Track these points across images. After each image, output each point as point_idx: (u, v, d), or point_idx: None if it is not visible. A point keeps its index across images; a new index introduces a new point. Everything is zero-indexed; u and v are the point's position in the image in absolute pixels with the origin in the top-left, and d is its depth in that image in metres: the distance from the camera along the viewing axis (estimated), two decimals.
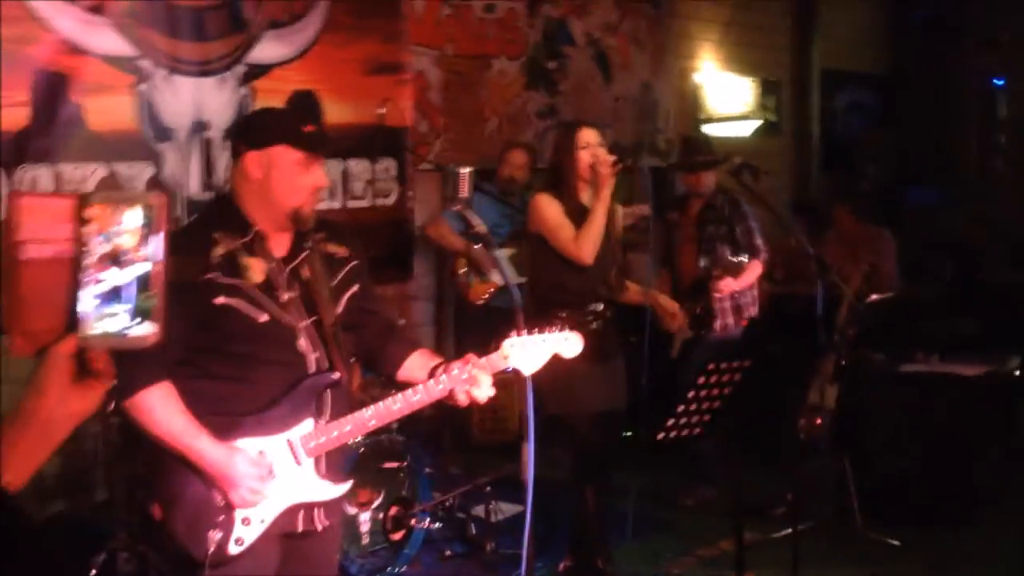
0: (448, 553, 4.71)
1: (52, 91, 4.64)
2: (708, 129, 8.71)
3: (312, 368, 2.58)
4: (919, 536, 4.82)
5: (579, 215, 4.05)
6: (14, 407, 1.17)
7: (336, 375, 2.59)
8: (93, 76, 4.79)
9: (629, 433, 4.98)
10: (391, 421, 2.65)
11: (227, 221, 2.56)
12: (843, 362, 5.18)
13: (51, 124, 4.64)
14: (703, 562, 4.66)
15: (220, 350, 2.51)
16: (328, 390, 2.59)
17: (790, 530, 4.79)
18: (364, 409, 2.59)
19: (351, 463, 4.29)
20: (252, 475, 2.44)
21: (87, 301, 1.12)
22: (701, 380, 2.98)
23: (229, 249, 2.51)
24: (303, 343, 2.57)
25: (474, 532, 4.82)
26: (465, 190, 2.85)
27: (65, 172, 4.71)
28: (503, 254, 5.48)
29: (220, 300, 2.46)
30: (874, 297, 5.24)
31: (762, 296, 5.77)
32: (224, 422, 2.48)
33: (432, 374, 2.67)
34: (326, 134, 2.60)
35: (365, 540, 4.40)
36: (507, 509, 5.26)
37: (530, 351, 2.68)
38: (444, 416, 5.73)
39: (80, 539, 4.12)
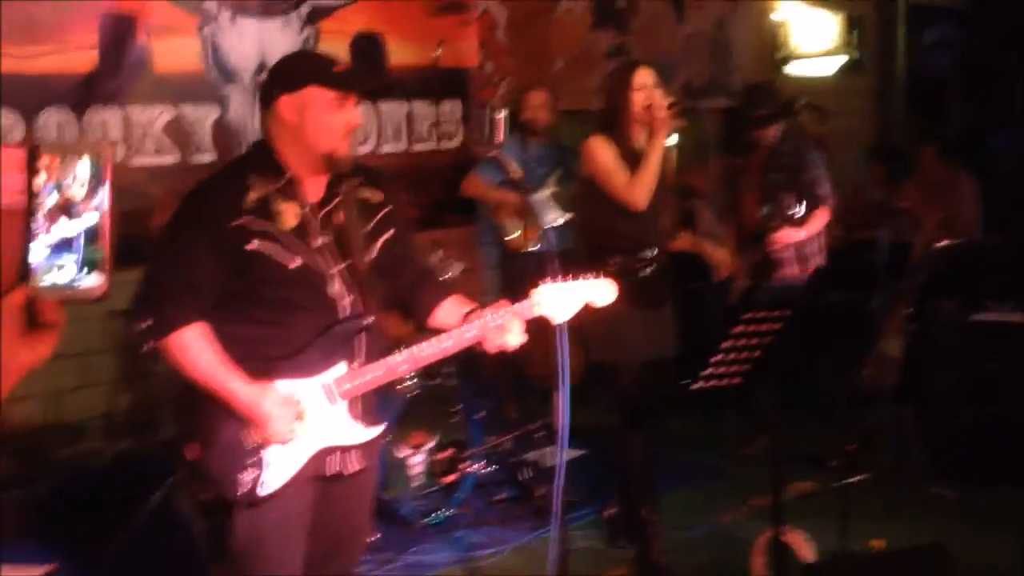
0: (499, 497, 4.76)
1: (119, 34, 4.72)
2: (789, 68, 8.48)
3: (345, 313, 2.60)
4: (981, 493, 4.71)
5: (633, 159, 3.98)
6: None
7: (368, 320, 2.61)
8: (159, 18, 4.86)
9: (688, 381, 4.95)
10: (422, 366, 2.66)
11: (261, 166, 2.58)
12: (909, 310, 5.04)
13: (118, 67, 4.73)
14: (755, 512, 4.62)
15: (254, 294, 2.54)
16: (361, 334, 2.62)
17: (848, 480, 4.77)
18: (395, 354, 2.61)
19: (403, 406, 4.36)
20: (283, 414, 2.48)
21: (38, 252, 1.13)
22: (738, 329, 2.93)
23: (263, 194, 2.53)
24: (336, 288, 2.60)
25: (525, 477, 4.86)
26: (501, 134, 2.82)
27: (132, 114, 4.80)
28: (544, 195, 5.42)
29: (253, 245, 2.49)
30: (943, 243, 5.06)
31: (833, 244, 5.63)
32: (258, 365, 2.52)
33: (464, 320, 2.67)
34: (359, 73, 2.58)
35: (416, 482, 4.47)
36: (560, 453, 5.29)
37: (560, 299, 2.64)
38: (502, 362, 5.76)
39: (145, 476, 4.26)
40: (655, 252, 4.06)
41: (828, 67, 8.82)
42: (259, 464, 2.50)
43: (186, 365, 2.50)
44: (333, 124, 2.55)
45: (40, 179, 1.13)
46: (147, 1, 4.80)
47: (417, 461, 4.43)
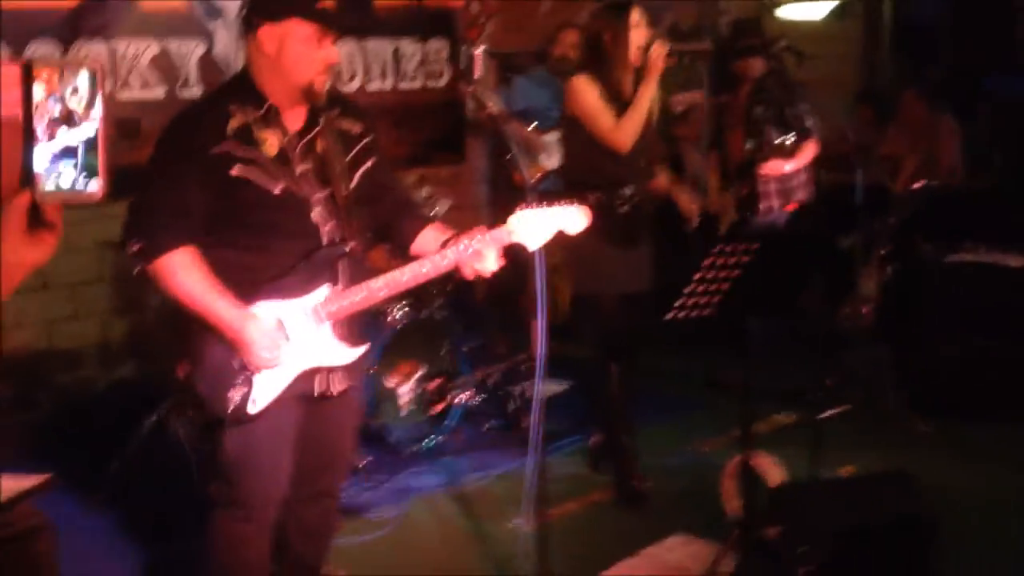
0: (487, 427, 4.88)
1: None
2: (780, 12, 8.48)
3: (327, 238, 2.68)
4: (955, 427, 4.84)
5: (618, 99, 4.03)
6: None
7: (349, 245, 2.69)
8: None
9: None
10: (400, 291, 2.75)
11: (243, 95, 2.64)
12: (883, 252, 5.14)
13: (104, 1, 4.75)
14: (733, 441, 4.74)
15: (238, 220, 2.62)
16: (342, 259, 2.70)
17: (826, 414, 4.91)
18: (375, 279, 2.69)
19: (392, 337, 4.46)
20: (267, 337, 2.58)
21: (41, 160, 1.21)
22: (709, 261, 3.01)
23: (244, 122, 2.60)
24: (317, 214, 2.67)
25: (513, 408, 4.98)
26: (479, 70, 2.87)
27: (119, 48, 4.83)
28: (552, 137, 5.48)
29: (236, 171, 2.56)
30: (916, 185, 5.14)
31: (814, 181, 5.70)
32: (244, 289, 2.61)
33: (443, 247, 2.75)
34: (340, 11, 2.63)
35: (405, 411, 4.59)
36: (547, 387, 5.40)
37: (534, 225, 2.72)
38: (491, 296, 5.86)
39: (139, 402, 4.37)
40: (633, 190, 4.12)
41: (818, 11, 8.82)
42: (247, 383, 2.60)
43: (174, 288, 2.58)
44: (311, 58, 2.61)
45: (40, 91, 1.20)
46: None
47: (406, 390, 4.54)
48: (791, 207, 5.37)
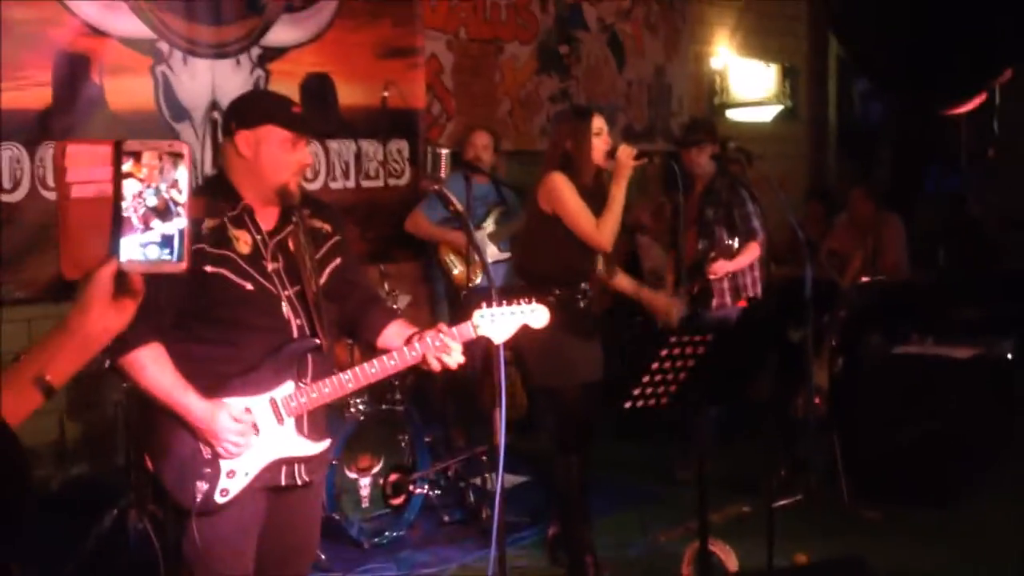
0: (446, 519, 4.91)
1: (73, 72, 4.86)
2: (730, 114, 8.83)
3: (295, 334, 2.77)
4: (905, 513, 4.95)
5: (588, 197, 4.18)
6: (62, 321, 1.41)
7: (317, 341, 2.78)
8: (113, 58, 5.00)
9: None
10: (367, 384, 2.83)
11: (218, 195, 2.74)
12: (833, 343, 5.31)
13: (72, 104, 4.87)
14: (690, 532, 4.81)
15: (209, 315, 2.70)
16: (310, 355, 2.78)
17: (780, 503, 5.00)
18: (343, 373, 2.78)
19: (353, 430, 4.51)
20: (235, 430, 2.64)
21: (132, 246, 1.35)
22: (664, 352, 3.13)
23: (218, 222, 2.70)
24: (287, 310, 2.76)
25: (472, 500, 5.02)
26: (444, 170, 3.02)
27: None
28: (484, 232, 5.63)
29: (209, 268, 2.66)
30: (864, 280, 5.34)
31: (765, 277, 5.90)
32: (212, 382, 2.68)
33: (408, 342, 2.85)
34: (312, 116, 2.76)
35: (365, 504, 4.61)
36: (506, 479, 5.45)
37: (499, 321, 2.85)
38: (450, 390, 5.93)
39: (98, 500, 4.35)
40: (588, 286, 4.27)
41: (765, 115, 9.20)
42: (216, 474, 2.65)
43: (144, 382, 2.64)
44: (286, 161, 2.74)
45: (137, 178, 1.34)
46: (101, 41, 4.95)
47: (365, 483, 4.57)
48: (742, 303, 5.55)
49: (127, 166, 1.34)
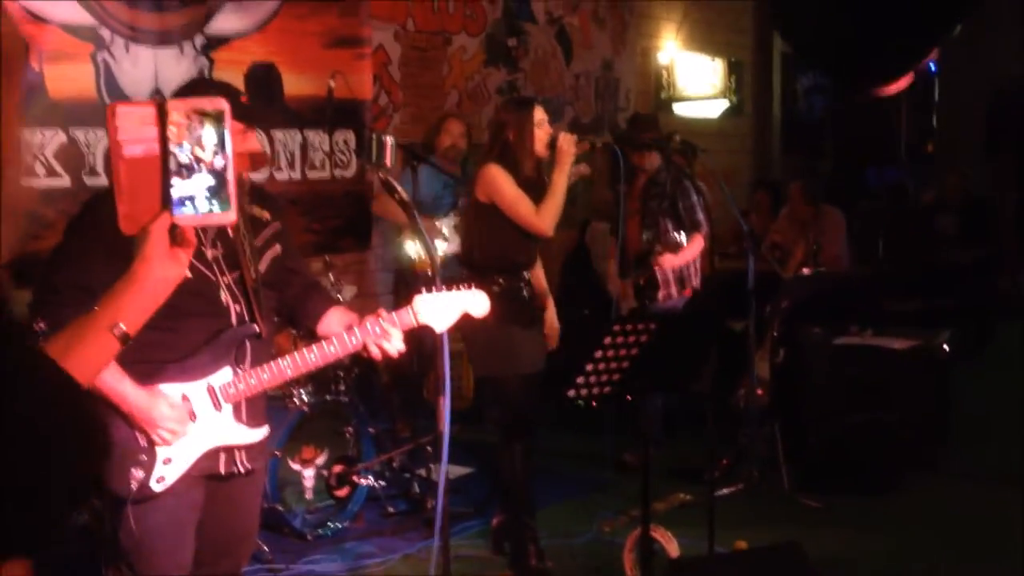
0: (391, 510, 4.90)
1: None
2: (677, 109, 8.90)
3: (234, 320, 2.75)
4: (844, 502, 5.04)
5: (527, 187, 4.20)
6: (128, 273, 1.50)
7: (256, 327, 2.76)
8: (53, 44, 4.91)
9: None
10: (307, 371, 2.82)
11: None
12: (775, 334, 5.38)
13: None
14: (634, 521, 4.85)
15: None
16: (248, 341, 2.76)
17: (721, 491, 5.07)
18: (281, 359, 2.77)
19: (297, 421, 4.49)
20: (171, 417, 2.62)
21: (180, 192, 1.42)
22: (607, 340, 3.15)
23: None
24: (225, 297, 2.74)
25: (417, 490, 5.02)
26: (389, 159, 3.01)
27: (25, 137, 4.84)
28: (447, 223, 5.64)
29: None
30: (805, 271, 5.42)
31: (708, 269, 5.96)
32: (149, 368, 2.65)
33: (348, 328, 2.84)
34: (255, 106, 2.75)
35: (309, 495, 4.59)
36: (451, 470, 5.47)
37: (439, 308, 2.85)
38: (397, 381, 5.92)
39: None
40: (529, 275, 4.29)
41: (712, 110, 9.29)
42: (152, 461, 2.63)
43: None
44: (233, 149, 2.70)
45: (171, 135, 1.42)
46: (41, 27, 4.86)
47: (309, 475, 4.55)
48: (687, 293, 5.61)
49: (172, 130, 1.42)
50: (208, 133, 1.42)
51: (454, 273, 5.55)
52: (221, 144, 1.43)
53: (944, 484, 5.30)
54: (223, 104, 1.43)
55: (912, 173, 8.81)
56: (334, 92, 5.18)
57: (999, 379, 6.98)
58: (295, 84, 5.83)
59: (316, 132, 6.00)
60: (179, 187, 1.42)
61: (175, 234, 1.46)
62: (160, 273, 1.49)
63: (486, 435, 5.91)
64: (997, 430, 6.04)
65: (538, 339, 4.29)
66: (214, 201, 1.43)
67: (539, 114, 4.24)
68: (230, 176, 1.44)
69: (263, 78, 5.67)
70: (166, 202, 1.43)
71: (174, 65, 5.29)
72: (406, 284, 5.82)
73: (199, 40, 5.40)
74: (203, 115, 1.42)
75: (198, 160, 1.42)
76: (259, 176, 5.70)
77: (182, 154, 1.41)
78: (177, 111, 1.42)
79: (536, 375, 4.22)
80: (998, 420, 6.20)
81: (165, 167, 1.41)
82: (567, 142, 4.15)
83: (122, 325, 1.52)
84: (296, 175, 5.93)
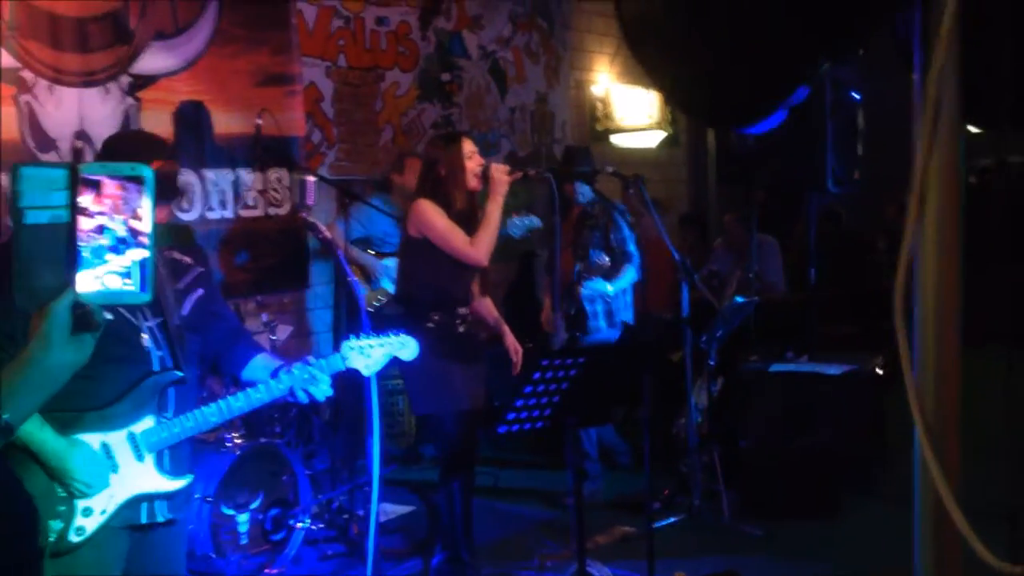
0: (329, 553, 4.82)
1: None
2: (614, 140, 8.97)
3: (156, 366, 2.69)
4: (785, 528, 5.06)
5: (462, 221, 4.18)
6: (18, 358, 1.32)
7: (179, 373, 2.70)
8: None
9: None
10: (233, 418, 2.77)
11: None
12: (711, 363, 5.41)
13: None
14: (576, 555, 4.83)
15: None
16: (171, 387, 2.70)
17: (665, 522, 5.07)
18: (206, 406, 2.71)
19: (231, 464, 4.40)
20: (90, 467, 2.54)
21: (91, 274, 1.26)
22: (537, 375, 3.14)
23: None
24: (147, 341, 2.68)
25: (356, 532, 4.95)
26: (311, 197, 2.98)
27: None
28: (391, 263, 5.63)
29: None
30: (738, 300, 5.47)
31: (642, 300, 6.00)
32: (68, 417, 2.58)
33: (275, 374, 2.80)
34: (183, 145, 2.71)
35: (244, 540, 4.49)
36: (391, 509, 5.41)
37: (368, 354, 2.83)
38: (337, 421, 5.84)
39: None
40: (467, 311, 4.27)
41: (649, 140, 9.38)
42: (69, 512, 2.55)
43: None
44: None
45: (106, 207, 1.26)
46: None
47: (244, 519, 4.45)
48: (620, 325, 5.63)
49: (87, 199, 1.25)
50: (128, 202, 1.27)
51: (388, 308, 5.56)
52: (143, 214, 1.27)
53: (882, 507, 5.35)
54: (146, 171, 1.29)
55: (841, 200, 8.97)
56: (262, 130, 5.13)
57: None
58: (225, 122, 5.76)
59: (248, 171, 5.93)
60: (88, 261, 1.26)
61: (80, 315, 1.30)
62: (59, 359, 1.31)
63: (427, 473, 5.87)
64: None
65: (478, 375, 4.25)
66: (129, 279, 1.27)
67: (468, 147, 4.24)
68: (150, 251, 1.27)
69: (192, 116, 5.60)
70: (70, 278, 1.26)
71: (99, 106, 5.21)
72: (347, 323, 5.78)
73: (125, 80, 5.32)
74: (125, 181, 1.27)
75: (136, 233, 1.27)
76: (191, 216, 5.63)
77: (94, 224, 1.26)
78: (109, 182, 1.27)
79: (475, 411, 4.18)
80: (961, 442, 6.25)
81: (73, 238, 1.25)
82: (500, 172, 4.17)
83: (5, 416, 1.34)
84: (228, 214, 5.85)
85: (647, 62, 1.31)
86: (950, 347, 1.18)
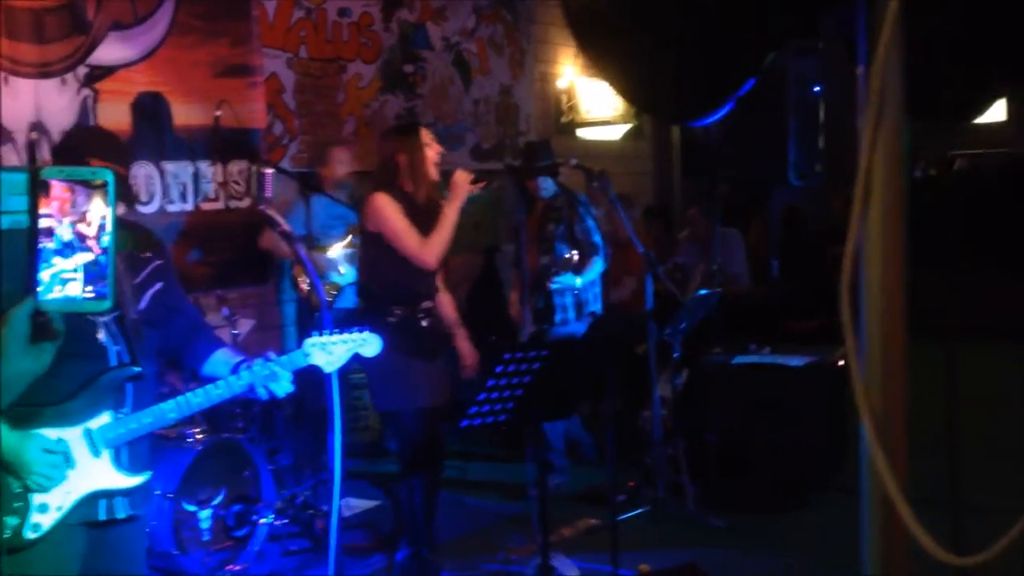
0: (292, 549, 4.80)
1: None
2: (580, 133, 8.98)
3: (113, 361, 2.66)
4: (749, 520, 5.09)
5: (415, 213, 4.16)
6: None
7: (136, 368, 2.67)
8: None
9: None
10: (192, 414, 2.74)
11: None
12: (675, 355, 5.43)
13: None
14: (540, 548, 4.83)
15: None
16: (129, 383, 2.67)
17: (630, 515, 5.10)
18: (164, 402, 2.68)
19: (193, 460, 4.36)
20: (46, 462, 2.51)
21: (51, 275, 1.23)
22: (499, 369, 3.14)
23: None
24: (104, 337, 2.65)
25: (320, 528, 4.92)
26: (269, 190, 2.96)
27: None
28: (339, 253, 5.59)
29: None
30: (704, 292, 5.50)
31: (607, 293, 6.01)
32: (24, 412, 2.53)
33: (235, 370, 2.77)
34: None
35: (206, 537, 4.46)
36: (356, 505, 5.39)
37: (330, 350, 2.81)
38: (301, 416, 5.81)
39: None
40: (431, 304, 4.24)
41: (614, 133, 9.39)
42: (25, 508, 2.52)
43: None
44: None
45: (52, 209, 1.22)
46: None
47: (206, 516, 4.42)
48: (587, 317, 5.63)
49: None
50: (77, 205, 1.24)
51: (351, 304, 5.51)
52: (104, 221, 1.25)
53: (844, 500, 5.38)
54: (108, 175, 1.26)
55: (802, 194, 9.03)
56: (221, 121, 5.07)
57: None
58: (184, 114, 5.70)
59: (208, 163, 5.88)
60: (49, 268, 1.24)
61: (40, 324, 1.28)
62: (15, 367, 1.30)
63: (392, 467, 5.84)
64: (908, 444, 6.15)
65: (441, 371, 4.23)
66: (90, 286, 1.25)
67: (426, 136, 4.22)
68: (111, 258, 1.25)
69: (150, 108, 5.54)
70: (31, 285, 1.24)
71: (56, 97, 5.13)
72: (307, 318, 5.74)
73: (82, 71, 5.25)
74: (86, 186, 1.24)
75: (80, 237, 1.24)
76: (150, 208, 5.57)
77: (59, 229, 1.24)
78: (58, 183, 1.24)
79: (438, 408, 4.16)
80: (909, 434, 6.32)
81: (33, 244, 1.23)
82: (463, 178, 4.14)
83: None
84: (188, 207, 5.79)
85: (593, 55, 1.31)
86: (896, 341, 1.19)
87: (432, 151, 4.20)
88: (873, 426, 1.19)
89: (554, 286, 5.46)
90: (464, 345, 4.45)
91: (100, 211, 1.24)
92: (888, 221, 1.17)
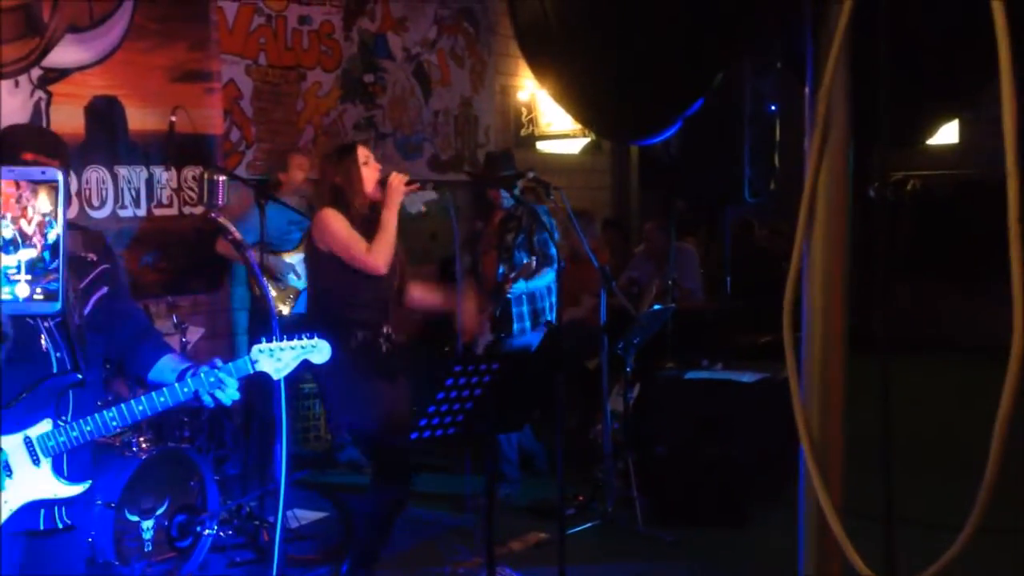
0: (237, 560, 4.74)
1: None
2: (540, 146, 9.00)
3: (55, 367, 2.61)
4: (698, 535, 5.11)
5: (364, 226, 4.15)
6: None
7: (78, 375, 2.63)
8: None
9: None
10: (136, 422, 2.70)
11: None
12: (628, 369, 5.45)
13: None
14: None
15: None
16: (70, 390, 2.63)
17: (579, 528, 5.10)
18: (107, 410, 2.64)
19: (136, 469, 4.29)
20: None
21: None
22: (450, 382, 3.12)
23: None
24: (46, 343, 2.60)
25: (266, 538, 4.87)
26: (222, 197, 2.93)
27: None
28: (295, 259, 5.57)
29: None
30: (655, 308, 5.53)
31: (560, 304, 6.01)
32: None
33: (181, 377, 2.73)
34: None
35: (148, 547, 4.39)
36: (304, 515, 5.34)
37: (278, 356, 2.78)
38: (249, 425, 5.76)
39: None
40: (390, 329, 4.22)
41: (573, 147, 9.42)
42: None
43: None
44: None
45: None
46: None
47: (149, 526, 4.35)
48: (542, 328, 5.64)
49: None
50: (20, 201, 1.24)
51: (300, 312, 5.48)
52: (48, 218, 1.25)
53: (791, 515, 5.42)
54: (57, 175, 1.26)
55: (756, 210, 9.13)
56: (176, 127, 5.02)
57: (846, 411, 7.21)
58: (140, 119, 5.64)
59: (162, 168, 5.82)
60: None
61: None
62: None
63: (343, 478, 5.81)
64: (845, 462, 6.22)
65: (402, 387, 4.20)
66: (38, 285, 1.26)
67: (363, 153, 4.23)
68: (63, 259, 1.25)
69: (105, 112, 5.48)
70: None
71: (8, 99, 5.05)
72: (259, 326, 5.68)
73: (36, 73, 5.17)
74: (27, 183, 1.24)
75: (23, 235, 1.25)
76: (102, 212, 5.50)
77: (4, 228, 1.24)
78: (4, 180, 1.24)
79: (404, 425, 4.13)
80: (846, 452, 6.39)
81: None
82: (398, 180, 4.16)
83: None
84: (141, 212, 5.72)
85: (541, 72, 1.31)
86: (835, 359, 1.20)
87: (371, 169, 4.21)
88: (809, 443, 1.20)
89: (510, 295, 5.47)
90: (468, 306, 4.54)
91: (44, 208, 1.23)
92: (831, 244, 1.18)
